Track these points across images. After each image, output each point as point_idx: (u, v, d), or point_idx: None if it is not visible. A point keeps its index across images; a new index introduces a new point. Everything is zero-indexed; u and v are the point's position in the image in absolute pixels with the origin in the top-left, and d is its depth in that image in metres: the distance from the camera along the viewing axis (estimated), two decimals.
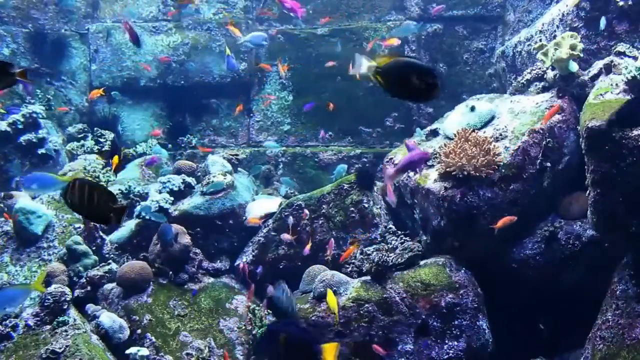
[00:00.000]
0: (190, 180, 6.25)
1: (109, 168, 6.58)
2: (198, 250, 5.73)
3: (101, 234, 5.75)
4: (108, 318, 4.87)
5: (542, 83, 5.43)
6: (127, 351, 4.69)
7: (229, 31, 7.22)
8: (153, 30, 7.80)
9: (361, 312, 4.79)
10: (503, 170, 4.75)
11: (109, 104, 7.79)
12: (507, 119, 5.19)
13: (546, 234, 4.88)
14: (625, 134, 3.79)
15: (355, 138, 7.50)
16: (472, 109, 5.41)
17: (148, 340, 4.94)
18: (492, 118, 5.34)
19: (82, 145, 7.17)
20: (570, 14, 5.35)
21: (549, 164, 4.86)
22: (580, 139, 4.16)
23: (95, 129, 7.43)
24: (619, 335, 3.96)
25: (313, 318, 4.87)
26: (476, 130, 5.11)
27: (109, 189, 6.14)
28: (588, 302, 4.41)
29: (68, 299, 4.81)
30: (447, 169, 4.79)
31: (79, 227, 5.77)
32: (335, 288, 4.85)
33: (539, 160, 4.84)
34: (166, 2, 7.91)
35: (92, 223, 5.65)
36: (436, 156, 5.04)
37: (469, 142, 4.80)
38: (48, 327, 4.66)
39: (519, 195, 4.78)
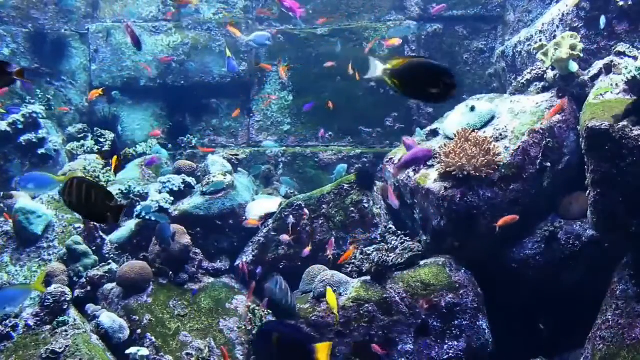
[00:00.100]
0: (190, 180, 6.25)
1: (109, 168, 6.58)
2: (198, 250, 5.72)
3: (101, 234, 5.75)
4: (108, 318, 4.87)
5: (542, 83, 5.43)
6: (127, 351, 4.68)
7: (229, 32, 7.22)
8: (153, 30, 7.80)
9: (361, 312, 4.79)
10: (503, 170, 4.75)
11: (109, 104, 7.79)
12: (507, 119, 5.19)
13: (546, 234, 4.88)
14: (625, 134, 3.79)
15: (355, 138, 7.50)
16: (472, 109, 5.41)
17: (148, 340, 4.94)
18: (492, 118, 5.34)
19: (82, 145, 7.18)
20: (570, 14, 5.35)
21: (549, 164, 4.86)
22: (580, 139, 4.16)
23: (95, 129, 7.44)
24: (619, 335, 3.97)
25: (313, 318, 4.88)
26: (476, 130, 5.11)
27: (109, 188, 6.18)
28: (588, 302, 4.41)
29: (68, 299, 4.80)
30: (447, 169, 4.79)
31: (79, 227, 5.77)
32: (335, 288, 4.85)
33: (539, 160, 4.84)
34: (166, 2, 7.91)
35: (92, 223, 5.64)
36: (436, 156, 5.04)
37: (469, 142, 4.80)
38: (48, 327, 4.65)
39: (519, 195, 4.78)
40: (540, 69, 5.48)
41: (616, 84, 4.35)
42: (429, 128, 5.94)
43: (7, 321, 4.63)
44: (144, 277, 5.27)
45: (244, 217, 5.97)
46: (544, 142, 4.86)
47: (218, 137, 7.83)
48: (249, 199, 6.24)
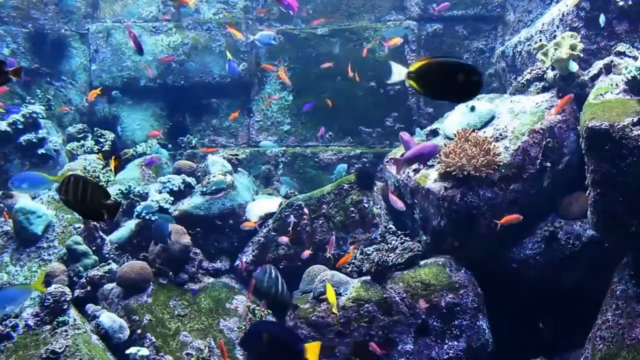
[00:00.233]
0: (190, 180, 6.25)
1: (108, 168, 6.58)
2: (198, 250, 5.73)
3: (101, 234, 5.75)
4: (108, 318, 4.87)
5: (542, 83, 5.43)
6: (127, 351, 4.68)
7: (229, 32, 7.22)
8: (153, 30, 7.80)
9: (361, 312, 4.79)
10: (503, 170, 4.75)
11: (109, 104, 7.79)
12: (507, 119, 5.19)
13: (546, 234, 4.88)
14: (625, 134, 3.79)
15: (355, 138, 7.50)
16: (472, 109, 5.41)
17: (148, 340, 4.94)
18: (492, 118, 5.35)
19: (82, 145, 7.18)
20: (570, 14, 5.35)
21: (549, 164, 4.86)
22: (580, 139, 4.16)
23: (95, 129, 7.44)
24: (619, 335, 3.97)
25: (313, 318, 4.88)
26: (476, 130, 5.11)
27: (109, 188, 6.18)
28: (588, 302, 4.41)
29: (68, 299, 4.80)
30: (447, 169, 4.79)
31: (79, 227, 5.77)
32: (335, 288, 4.85)
33: (539, 160, 4.84)
34: (166, 2, 7.91)
35: (92, 223, 5.65)
36: (436, 156, 5.04)
37: (469, 142, 4.80)
38: (48, 327, 4.65)
39: (519, 195, 4.78)
40: (540, 69, 5.48)
41: (616, 84, 4.35)
42: (429, 128, 5.94)
43: (7, 321, 4.63)
44: (144, 277, 5.27)
45: (244, 218, 5.97)
46: (544, 142, 4.86)
47: (218, 137, 7.83)
48: (249, 199, 6.24)
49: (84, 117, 7.85)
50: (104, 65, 7.82)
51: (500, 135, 5.00)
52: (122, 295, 5.22)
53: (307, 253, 5.39)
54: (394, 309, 4.77)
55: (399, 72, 2.53)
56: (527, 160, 4.81)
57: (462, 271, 4.89)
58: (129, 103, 7.87)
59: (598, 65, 4.97)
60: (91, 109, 7.84)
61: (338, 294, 4.86)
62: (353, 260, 5.26)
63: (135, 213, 5.75)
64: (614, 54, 4.94)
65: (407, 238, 5.28)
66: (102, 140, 7.30)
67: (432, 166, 5.09)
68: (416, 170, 5.21)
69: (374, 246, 5.30)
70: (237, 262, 5.80)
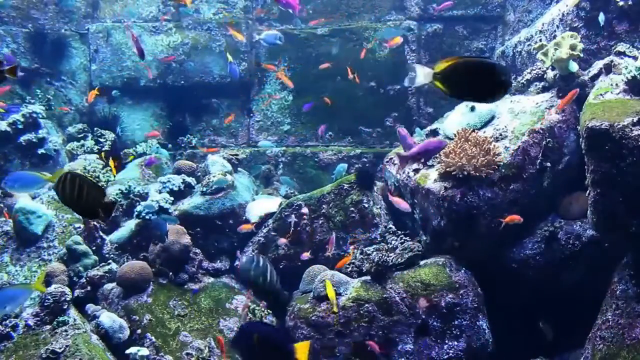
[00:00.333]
0: (190, 180, 6.25)
1: (108, 168, 6.58)
2: (198, 250, 5.73)
3: (101, 234, 5.75)
4: (108, 318, 4.87)
5: (542, 83, 5.43)
6: (127, 351, 4.68)
7: (229, 33, 7.21)
8: (153, 30, 7.80)
9: (361, 312, 4.79)
10: (503, 170, 4.75)
11: (109, 104, 7.79)
12: (507, 119, 5.19)
13: (546, 234, 4.88)
14: (625, 134, 3.79)
15: (355, 138, 7.50)
16: (472, 108, 5.41)
17: (148, 340, 4.94)
18: (492, 118, 5.35)
19: (82, 145, 7.18)
20: (570, 14, 5.35)
21: (549, 164, 4.86)
22: (580, 139, 4.16)
23: (95, 129, 7.44)
24: (619, 335, 3.96)
25: (313, 318, 4.88)
26: (476, 130, 5.11)
27: (109, 188, 6.19)
28: (588, 302, 4.41)
29: (68, 299, 4.80)
30: (447, 169, 4.79)
31: (79, 227, 5.77)
32: (335, 288, 4.85)
33: (539, 160, 4.84)
34: (166, 2, 7.91)
35: (92, 223, 5.65)
36: (436, 156, 5.04)
37: (469, 142, 4.80)
38: (48, 327, 4.65)
39: (519, 195, 4.78)
40: (540, 69, 5.48)
41: (616, 84, 4.35)
42: (429, 128, 5.94)
43: (7, 321, 4.63)
44: (144, 277, 5.27)
45: (244, 218, 5.97)
46: (544, 142, 4.85)
47: (218, 137, 7.83)
48: (249, 199, 6.24)
49: (84, 117, 7.85)
50: (104, 65, 7.82)
51: (500, 135, 5.00)
52: (122, 295, 5.22)
53: (306, 255, 5.39)
54: (394, 309, 4.77)
55: (423, 74, 2.48)
56: (527, 160, 4.81)
57: (462, 271, 4.88)
58: (129, 103, 7.87)
59: (598, 65, 4.97)
60: (91, 109, 7.84)
61: (338, 294, 4.86)
62: (353, 260, 5.26)
63: (135, 213, 5.75)
64: (614, 54, 4.94)
65: (407, 238, 5.28)
66: (102, 140, 7.30)
67: (432, 166, 5.09)
68: (416, 170, 5.21)
69: (374, 246, 5.30)
70: (237, 262, 5.80)
